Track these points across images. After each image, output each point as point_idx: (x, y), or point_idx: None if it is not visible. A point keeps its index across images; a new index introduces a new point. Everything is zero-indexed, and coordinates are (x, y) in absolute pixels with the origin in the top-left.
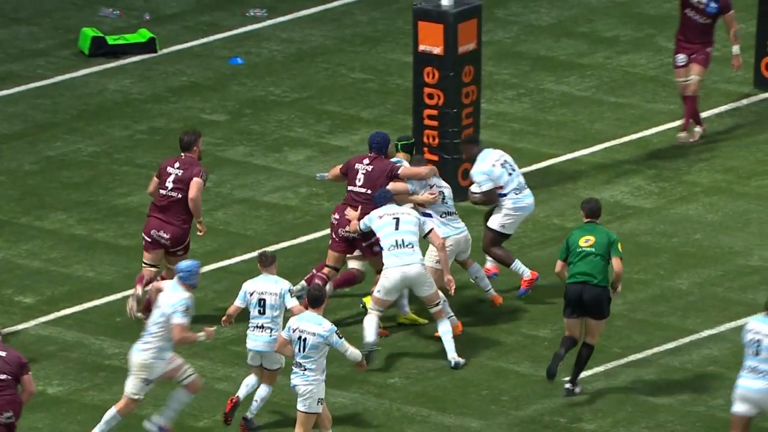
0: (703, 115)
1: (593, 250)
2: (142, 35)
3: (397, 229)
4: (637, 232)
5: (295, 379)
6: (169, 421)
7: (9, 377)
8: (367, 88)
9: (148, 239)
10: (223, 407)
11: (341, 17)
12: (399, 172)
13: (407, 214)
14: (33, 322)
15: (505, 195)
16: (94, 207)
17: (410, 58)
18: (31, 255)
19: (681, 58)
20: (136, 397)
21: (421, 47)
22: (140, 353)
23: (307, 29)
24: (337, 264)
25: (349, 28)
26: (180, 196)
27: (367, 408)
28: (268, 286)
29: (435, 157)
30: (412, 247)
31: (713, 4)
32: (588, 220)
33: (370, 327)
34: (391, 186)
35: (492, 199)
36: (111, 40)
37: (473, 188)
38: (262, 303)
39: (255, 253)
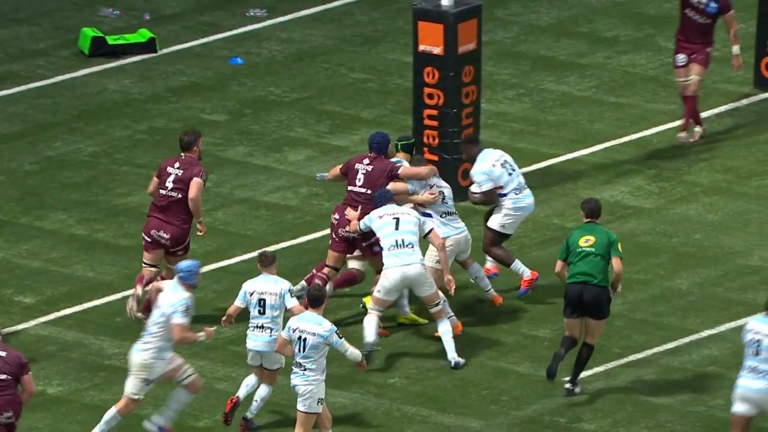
0: (703, 115)
1: (593, 250)
2: (142, 35)
3: (397, 229)
4: (637, 232)
5: (295, 379)
6: (169, 421)
7: (9, 377)
8: (367, 88)
9: (148, 239)
10: (222, 407)
11: (341, 17)
12: (399, 172)
13: (407, 214)
14: (33, 322)
15: (505, 195)
16: (94, 207)
17: (410, 58)
18: (31, 255)
19: (681, 58)
20: (136, 397)
21: (421, 47)
22: (140, 353)
23: (307, 29)
24: (337, 264)
25: (349, 28)
26: (180, 196)
27: (367, 408)
28: (268, 286)
29: (435, 157)
30: (412, 247)
31: (713, 4)
32: (588, 220)
33: (370, 327)
34: (392, 186)
35: (492, 199)
36: (111, 40)
37: (473, 188)
38: (262, 303)
39: (255, 254)
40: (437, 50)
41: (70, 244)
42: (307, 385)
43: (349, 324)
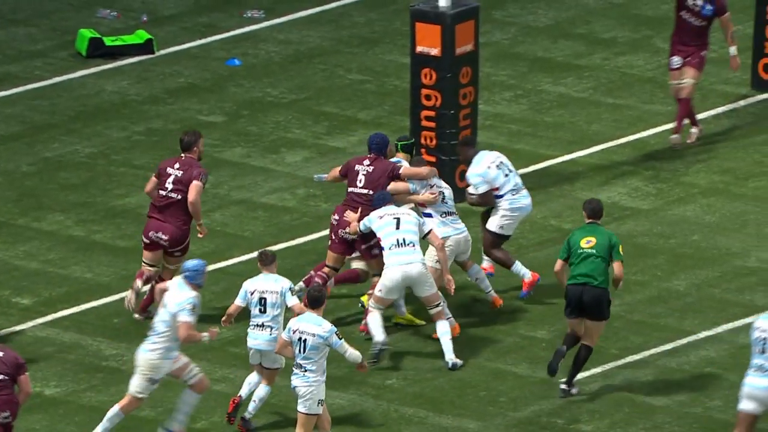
0: (701, 116)
1: (594, 251)
2: (140, 36)
3: (398, 228)
4: (634, 233)
5: (296, 381)
6: (182, 425)
7: (6, 377)
8: (364, 90)
9: (147, 241)
10: (220, 408)
11: (338, 18)
12: (400, 172)
13: (407, 214)
14: (30, 324)
15: (501, 196)
16: (92, 208)
17: (408, 59)
18: (28, 256)
19: (676, 60)
20: (141, 395)
21: (419, 48)
22: (147, 353)
23: (305, 30)
24: (337, 264)
25: (347, 29)
26: (179, 197)
27: (365, 409)
28: (269, 284)
29: (432, 159)
30: (414, 246)
31: (708, 7)
32: (590, 220)
33: (376, 325)
34: (392, 186)
35: (488, 200)
36: (108, 41)
37: (470, 190)
38: (262, 302)
39: (253, 255)
40: (434, 51)
41: (67, 246)
42: (308, 387)
43: (348, 324)
